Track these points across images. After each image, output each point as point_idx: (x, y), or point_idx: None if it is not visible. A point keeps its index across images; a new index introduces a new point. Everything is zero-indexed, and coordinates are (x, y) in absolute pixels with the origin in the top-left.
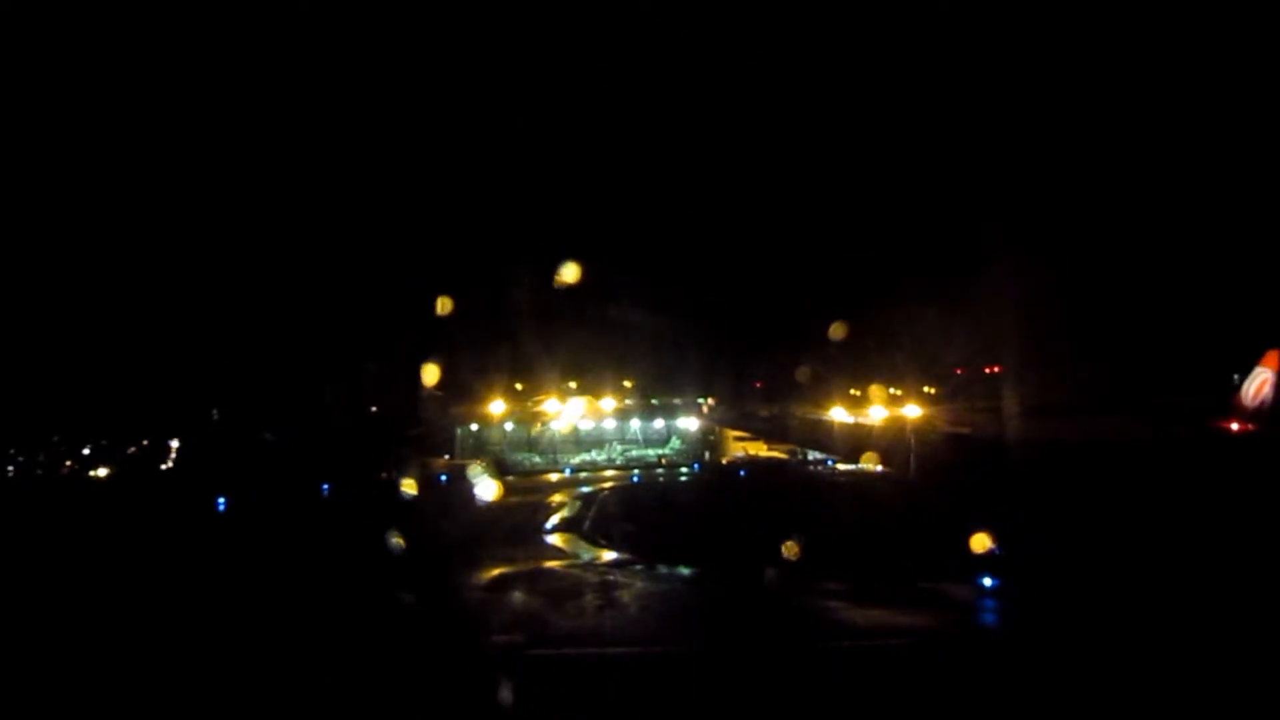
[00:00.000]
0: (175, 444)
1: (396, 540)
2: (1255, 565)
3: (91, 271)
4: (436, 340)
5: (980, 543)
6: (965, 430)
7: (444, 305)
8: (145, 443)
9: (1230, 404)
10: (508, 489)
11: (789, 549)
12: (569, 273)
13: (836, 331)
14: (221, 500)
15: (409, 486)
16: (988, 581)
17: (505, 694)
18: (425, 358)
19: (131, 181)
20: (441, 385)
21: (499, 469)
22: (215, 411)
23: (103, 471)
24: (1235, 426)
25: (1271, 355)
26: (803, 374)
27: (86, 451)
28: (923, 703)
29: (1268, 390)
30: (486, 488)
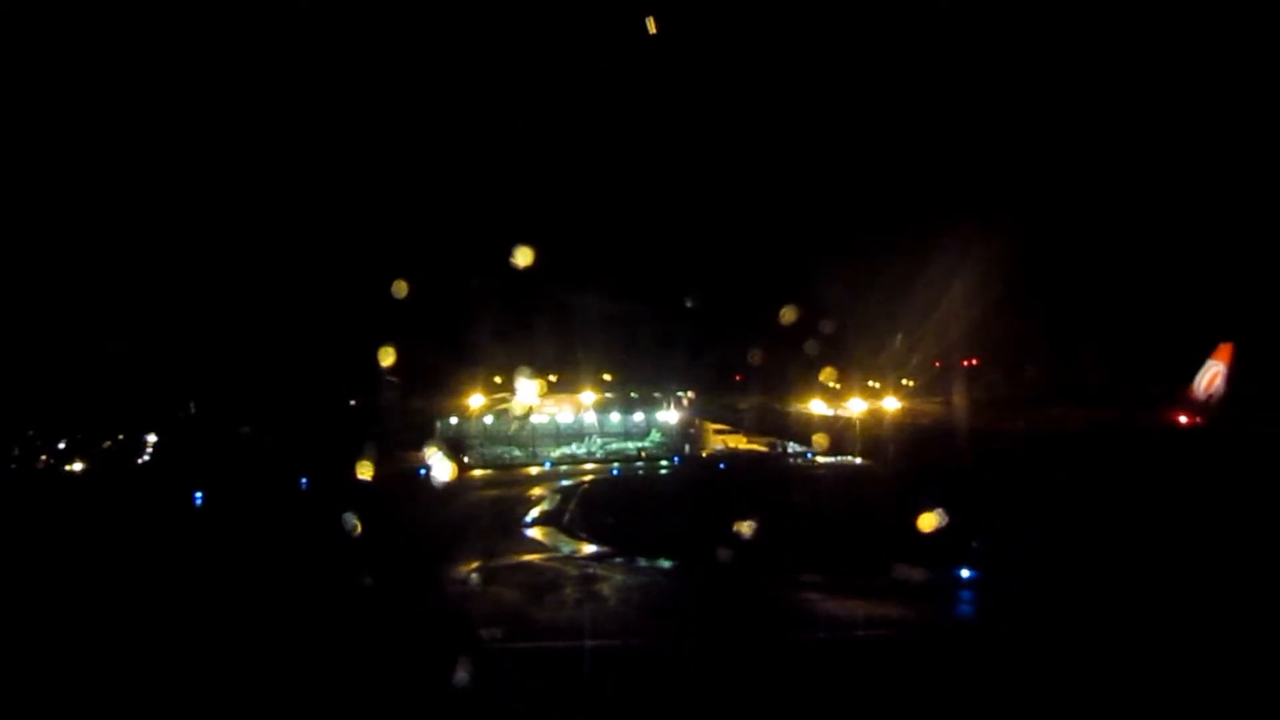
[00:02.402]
0: (151, 438)
1: (372, 533)
2: (1183, 550)
3: (67, 265)
4: (417, 334)
5: (956, 534)
6: (925, 422)
7: (411, 293)
8: (121, 437)
9: (1183, 396)
10: (488, 483)
11: (766, 540)
12: (547, 267)
13: (787, 317)
14: (199, 495)
15: (364, 472)
16: (964, 573)
17: (484, 687)
18: (405, 352)
19: (108, 175)
20: (421, 379)
21: (478, 460)
22: (192, 405)
23: (78, 466)
24: (1184, 419)
25: (1223, 348)
26: (780, 366)
27: (62, 446)
28: (896, 693)
29: (1219, 383)
30: (443, 468)
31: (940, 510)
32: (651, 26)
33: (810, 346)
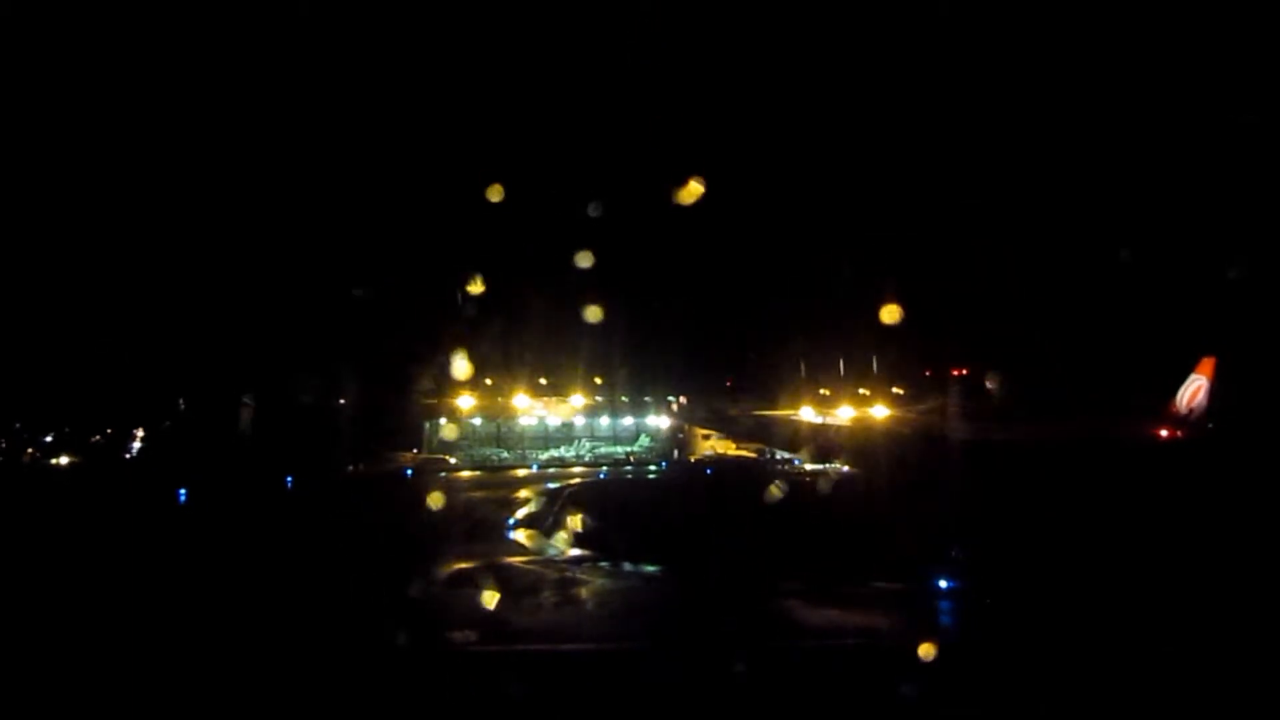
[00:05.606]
0: (140, 433)
1: (355, 532)
2: (1160, 561)
3: (59, 260)
4: (408, 335)
5: (937, 543)
6: (914, 430)
7: (403, 294)
8: (109, 431)
9: (1165, 410)
10: (474, 484)
11: (749, 546)
12: (540, 270)
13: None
14: (183, 490)
15: (351, 471)
16: (943, 582)
17: (457, 690)
18: (395, 352)
19: (100, 172)
20: (411, 380)
21: (466, 461)
22: (181, 401)
23: (65, 460)
24: (1164, 433)
25: (1206, 362)
26: (771, 372)
27: (49, 439)
28: (874, 701)
29: (1202, 397)
30: (430, 468)
31: (923, 519)
32: None
33: (801, 352)
